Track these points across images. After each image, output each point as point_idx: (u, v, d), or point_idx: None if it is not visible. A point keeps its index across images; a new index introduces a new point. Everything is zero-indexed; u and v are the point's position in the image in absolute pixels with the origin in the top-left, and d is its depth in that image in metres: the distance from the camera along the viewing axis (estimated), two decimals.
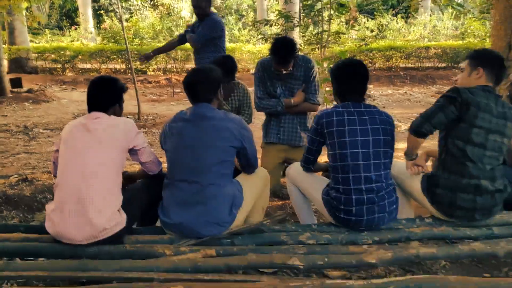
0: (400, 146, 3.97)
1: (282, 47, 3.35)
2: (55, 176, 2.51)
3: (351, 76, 2.46)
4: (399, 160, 2.73)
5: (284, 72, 3.48)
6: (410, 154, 2.55)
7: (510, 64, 3.16)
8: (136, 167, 3.00)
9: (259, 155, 2.86)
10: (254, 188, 2.59)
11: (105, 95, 2.42)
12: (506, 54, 3.37)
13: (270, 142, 3.69)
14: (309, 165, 2.63)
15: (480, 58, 2.43)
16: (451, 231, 2.35)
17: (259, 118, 3.89)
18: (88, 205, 2.16)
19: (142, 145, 2.44)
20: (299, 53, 8.97)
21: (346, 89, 2.47)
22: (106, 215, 2.20)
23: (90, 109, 2.40)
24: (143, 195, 2.55)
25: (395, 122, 2.91)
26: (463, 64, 2.53)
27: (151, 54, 5.09)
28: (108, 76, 2.57)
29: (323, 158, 2.76)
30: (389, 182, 2.39)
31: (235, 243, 2.31)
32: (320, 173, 2.75)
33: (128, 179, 2.64)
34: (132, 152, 2.43)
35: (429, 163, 2.78)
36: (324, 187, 2.50)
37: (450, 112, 2.30)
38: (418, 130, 2.36)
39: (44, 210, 3.47)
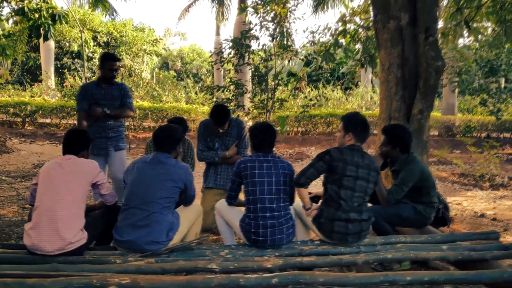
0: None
1: (219, 112, 4.30)
2: (30, 204, 3.21)
3: (262, 134, 3.38)
4: (299, 200, 3.60)
5: (221, 130, 4.40)
6: (306, 207, 3.34)
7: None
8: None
9: (198, 199, 3.64)
10: (189, 218, 3.38)
11: (77, 142, 3.20)
12: (387, 122, 4.41)
13: (208, 187, 4.52)
14: (231, 200, 3.46)
15: (350, 124, 3.34)
16: (330, 249, 3.20)
17: (200, 166, 4.75)
18: (59, 223, 2.87)
19: (103, 180, 3.21)
20: (248, 116, 9.99)
21: (259, 143, 3.37)
22: (72, 232, 2.91)
23: (65, 152, 3.17)
24: (101, 220, 3.30)
25: None
26: (339, 127, 3.45)
27: None
28: (80, 129, 3.37)
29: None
30: (286, 212, 3.25)
31: (170, 256, 3.06)
32: (243, 208, 3.56)
33: (89, 209, 3.36)
34: (95, 186, 3.18)
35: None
36: (242, 216, 3.33)
37: (319, 166, 3.23)
38: (297, 181, 3.26)
39: (11, 240, 4.10)
